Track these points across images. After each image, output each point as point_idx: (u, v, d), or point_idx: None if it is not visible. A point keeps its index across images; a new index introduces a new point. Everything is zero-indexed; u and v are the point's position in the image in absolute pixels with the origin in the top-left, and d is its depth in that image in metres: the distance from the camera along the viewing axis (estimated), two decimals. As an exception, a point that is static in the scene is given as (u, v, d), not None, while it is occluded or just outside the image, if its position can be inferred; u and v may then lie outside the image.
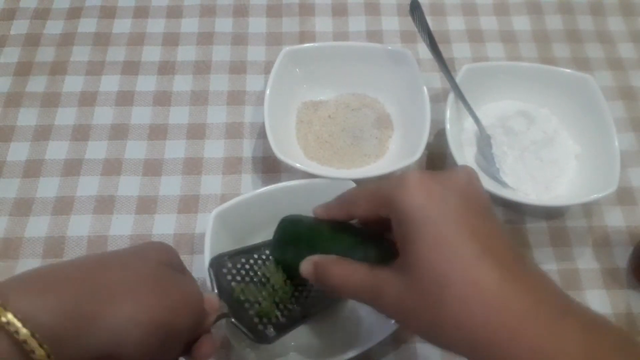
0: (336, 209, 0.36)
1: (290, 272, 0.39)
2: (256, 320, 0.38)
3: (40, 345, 0.24)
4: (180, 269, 0.34)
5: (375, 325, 0.43)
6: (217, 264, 0.39)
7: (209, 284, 0.38)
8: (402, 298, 0.29)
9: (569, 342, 0.25)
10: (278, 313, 0.39)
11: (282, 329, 0.38)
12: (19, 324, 0.24)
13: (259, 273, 0.40)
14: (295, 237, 0.38)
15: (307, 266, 0.35)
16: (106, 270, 0.30)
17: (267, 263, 0.41)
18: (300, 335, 0.44)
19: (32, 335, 0.24)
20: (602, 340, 0.26)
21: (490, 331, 0.26)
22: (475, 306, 0.27)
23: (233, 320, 0.36)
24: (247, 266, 0.40)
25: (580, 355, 0.25)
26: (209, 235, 0.43)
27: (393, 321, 0.41)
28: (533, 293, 0.27)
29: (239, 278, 0.39)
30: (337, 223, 0.36)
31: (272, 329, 0.38)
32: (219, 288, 0.37)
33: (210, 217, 0.44)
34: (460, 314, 0.27)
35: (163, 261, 0.32)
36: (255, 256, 0.41)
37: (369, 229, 0.35)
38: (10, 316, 0.24)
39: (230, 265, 0.39)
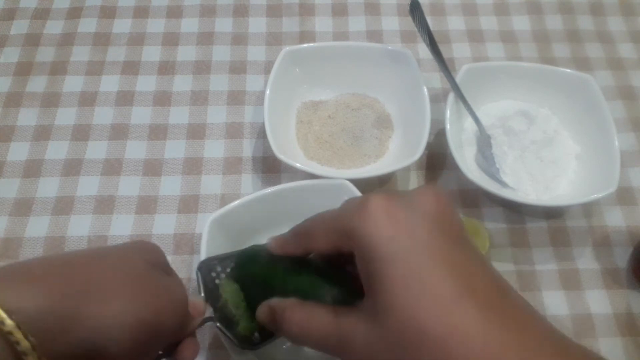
0: (291, 243, 0.32)
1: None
2: (241, 325, 0.37)
3: (26, 337, 0.24)
4: (166, 270, 0.34)
5: None
6: (205, 267, 0.39)
7: (196, 287, 0.38)
8: (372, 348, 0.25)
9: None
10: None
11: (268, 335, 0.38)
12: (4, 315, 0.24)
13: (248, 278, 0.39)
14: (251, 277, 0.36)
15: (263, 311, 0.32)
16: (95, 267, 0.29)
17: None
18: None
19: (18, 326, 0.24)
20: None
21: None
22: (458, 351, 0.23)
23: (218, 324, 0.36)
24: (235, 271, 0.40)
25: None
26: (205, 241, 0.42)
27: None
28: (524, 336, 0.24)
29: (228, 282, 0.39)
30: (296, 258, 0.32)
31: (257, 335, 0.37)
32: (205, 292, 0.37)
33: (205, 224, 0.43)
34: None
35: (150, 261, 0.32)
36: None
37: (331, 264, 0.32)
38: None
39: (219, 269, 0.39)
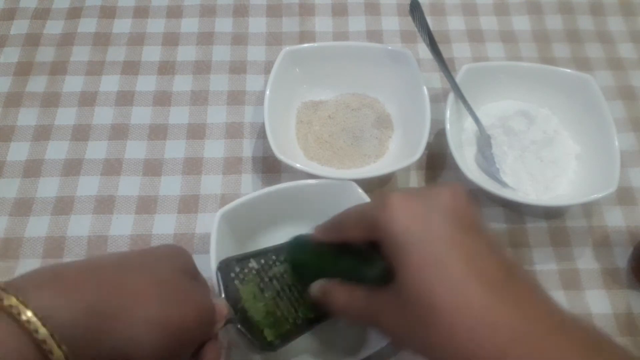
0: (329, 231, 0.36)
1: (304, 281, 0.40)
2: (261, 327, 0.37)
3: (59, 346, 0.24)
4: (193, 275, 0.35)
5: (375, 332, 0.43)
6: (225, 267, 0.38)
7: (216, 288, 0.38)
8: (397, 322, 0.30)
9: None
10: (284, 320, 0.39)
11: (287, 336, 0.38)
12: (38, 323, 0.24)
13: (265, 279, 0.39)
14: (303, 263, 0.39)
15: (317, 289, 0.36)
16: (125, 273, 0.30)
17: (278, 268, 0.41)
18: (306, 341, 0.44)
19: (51, 335, 0.24)
20: (600, 358, 0.26)
21: (478, 351, 0.26)
22: (462, 326, 0.26)
23: (239, 326, 0.36)
24: (254, 271, 0.39)
25: None
26: (215, 237, 0.42)
27: None
28: (524, 310, 0.27)
29: (246, 283, 0.39)
30: (337, 244, 0.36)
31: (277, 337, 0.38)
32: (225, 293, 0.37)
33: (215, 218, 0.43)
34: (449, 336, 0.27)
35: (178, 267, 0.32)
36: (263, 261, 0.40)
37: (367, 248, 0.35)
38: (30, 314, 0.24)
39: (238, 269, 0.39)
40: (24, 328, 0.24)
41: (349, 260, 0.35)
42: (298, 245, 0.40)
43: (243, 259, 0.39)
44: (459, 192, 0.31)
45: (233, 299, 0.37)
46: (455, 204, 0.30)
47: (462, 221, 0.30)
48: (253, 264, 0.40)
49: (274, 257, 0.41)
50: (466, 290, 0.27)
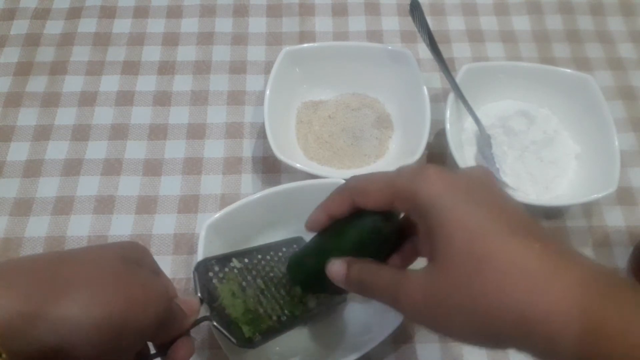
0: (338, 202, 0.34)
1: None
2: (240, 324, 0.37)
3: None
4: (151, 269, 0.33)
5: (373, 328, 0.43)
6: (203, 267, 0.39)
7: (193, 287, 0.38)
8: (429, 288, 0.28)
9: (629, 309, 0.24)
10: (266, 317, 0.39)
11: (269, 333, 0.38)
12: None
13: (249, 277, 0.40)
14: (305, 278, 0.39)
15: (337, 267, 0.33)
16: (64, 264, 0.29)
17: (263, 266, 0.41)
18: (298, 339, 0.44)
19: None
20: None
21: (538, 301, 0.24)
22: (519, 273, 0.25)
23: (215, 323, 0.36)
24: (235, 270, 0.40)
25: None
26: (202, 246, 0.42)
27: (392, 322, 0.41)
28: (583, 264, 0.26)
29: (225, 282, 0.39)
30: (332, 228, 0.35)
31: (256, 334, 0.38)
32: (202, 291, 0.37)
33: (202, 229, 0.43)
34: (501, 288, 0.25)
35: (129, 258, 0.31)
36: (246, 260, 0.41)
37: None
38: None
39: (217, 269, 0.39)
40: None
41: (360, 224, 0.34)
42: (296, 264, 0.39)
43: (223, 259, 0.40)
44: (489, 172, 0.32)
45: (210, 298, 0.37)
46: (486, 179, 0.31)
47: (497, 191, 0.30)
48: (235, 263, 0.40)
49: (259, 256, 0.41)
50: (517, 241, 0.26)
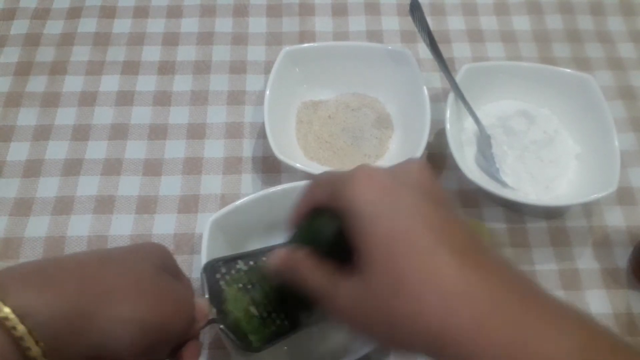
0: (303, 200, 0.34)
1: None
2: (245, 329, 0.37)
3: (37, 343, 0.24)
4: (174, 273, 0.34)
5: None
6: (210, 268, 0.38)
7: (201, 288, 0.38)
8: (355, 299, 0.27)
9: (540, 334, 0.24)
10: (270, 322, 0.38)
11: (273, 338, 0.38)
12: (16, 320, 0.24)
13: (254, 280, 0.39)
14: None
15: (276, 258, 0.33)
16: (105, 269, 0.30)
17: (267, 269, 0.40)
18: (298, 341, 0.44)
19: (29, 332, 0.24)
20: (579, 331, 0.24)
21: (447, 322, 0.24)
22: (431, 296, 0.25)
23: (222, 327, 0.36)
24: (241, 272, 0.39)
25: (560, 347, 0.23)
26: (206, 243, 0.42)
27: None
28: (495, 279, 0.25)
29: (232, 284, 0.39)
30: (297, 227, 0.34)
31: (261, 338, 0.37)
32: (210, 293, 0.37)
33: (206, 225, 0.43)
34: (416, 307, 0.25)
35: (158, 265, 0.32)
36: (252, 262, 0.40)
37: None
38: (8, 311, 0.24)
39: (224, 270, 0.39)
40: (2, 324, 0.24)
41: (310, 223, 0.33)
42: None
43: (230, 260, 0.39)
44: (425, 169, 0.30)
45: (218, 300, 0.37)
46: (422, 179, 0.29)
47: (430, 195, 0.28)
48: (241, 265, 0.40)
49: (264, 259, 0.41)
50: (436, 258, 0.25)
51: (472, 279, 0.25)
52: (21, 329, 0.24)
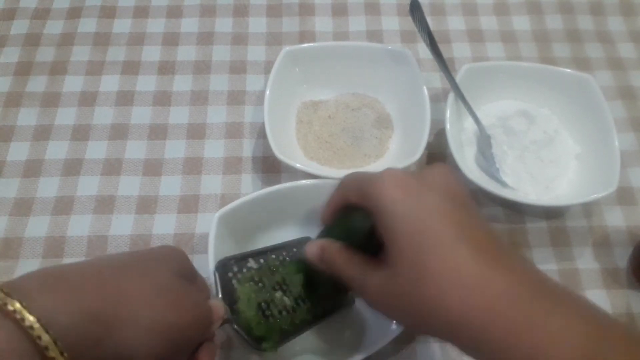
0: (335, 197, 0.37)
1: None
2: (257, 327, 0.37)
3: (61, 353, 0.24)
4: (191, 276, 0.35)
5: (378, 329, 0.43)
6: (222, 267, 0.38)
7: (213, 288, 0.38)
8: (384, 288, 0.31)
9: (548, 318, 0.26)
10: (281, 320, 0.38)
11: (284, 336, 0.38)
12: (42, 330, 0.24)
13: (264, 278, 0.39)
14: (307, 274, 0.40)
15: (313, 248, 0.36)
16: (124, 276, 0.30)
17: (278, 267, 0.40)
18: (306, 340, 0.44)
19: (54, 342, 0.24)
20: (588, 318, 0.27)
21: (465, 311, 0.27)
22: (451, 287, 0.27)
23: (235, 327, 0.36)
24: (252, 271, 0.39)
25: (565, 336, 0.25)
26: (213, 238, 0.42)
27: (394, 326, 0.41)
28: (513, 275, 0.28)
29: (244, 283, 0.38)
30: (330, 223, 0.38)
31: (272, 337, 0.37)
32: (223, 293, 0.37)
33: (213, 219, 0.43)
34: (437, 296, 0.28)
35: (176, 269, 0.33)
36: (262, 260, 0.40)
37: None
38: (33, 320, 0.24)
39: (236, 269, 0.39)
40: (27, 334, 0.24)
41: (344, 219, 0.36)
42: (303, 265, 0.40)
43: (242, 259, 0.39)
44: (449, 173, 0.33)
45: (230, 299, 0.37)
46: (446, 182, 0.32)
47: (453, 197, 0.31)
48: (252, 263, 0.40)
49: (273, 256, 0.41)
50: (456, 253, 0.28)
51: (488, 274, 0.27)
52: (46, 338, 0.24)
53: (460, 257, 0.28)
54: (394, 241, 0.30)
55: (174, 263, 0.33)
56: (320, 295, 0.40)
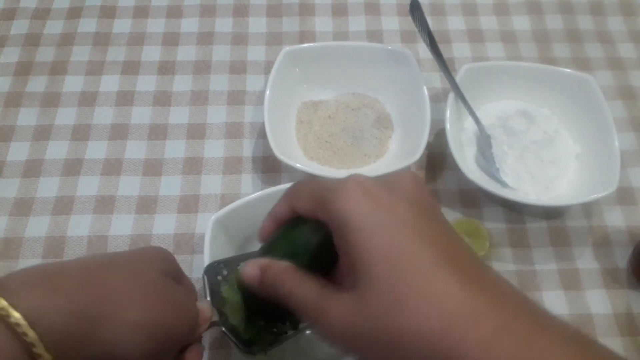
0: (280, 207, 0.32)
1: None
2: (246, 330, 0.37)
3: (47, 350, 0.24)
4: (177, 277, 0.35)
5: None
6: (212, 270, 0.38)
7: (202, 290, 0.38)
8: (349, 317, 0.26)
9: (550, 356, 0.23)
10: (271, 324, 0.38)
11: (273, 340, 0.38)
12: (27, 327, 0.24)
13: None
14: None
15: (250, 269, 0.31)
16: (110, 274, 0.30)
17: None
18: (298, 342, 0.44)
19: (40, 339, 0.24)
20: (589, 355, 0.24)
21: (457, 345, 0.23)
22: (435, 314, 0.23)
23: (223, 329, 0.36)
24: None
25: None
26: (208, 242, 0.42)
27: None
28: (503, 306, 0.24)
29: (232, 287, 0.38)
30: (271, 236, 0.33)
31: (261, 341, 0.37)
32: (212, 296, 0.37)
33: (208, 224, 0.43)
34: (418, 326, 0.24)
35: (162, 269, 0.32)
36: None
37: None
38: (19, 316, 0.24)
39: (225, 272, 0.39)
40: (13, 330, 0.24)
41: (291, 232, 0.32)
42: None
43: (231, 262, 0.39)
44: (418, 181, 0.29)
45: (219, 302, 0.37)
46: (416, 193, 0.28)
47: (424, 208, 0.27)
48: (242, 266, 0.40)
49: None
50: (437, 276, 0.24)
51: (478, 305, 0.24)
52: (32, 334, 0.24)
53: (442, 281, 0.24)
54: (362, 260, 0.25)
55: (161, 263, 0.33)
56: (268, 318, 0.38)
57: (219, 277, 0.38)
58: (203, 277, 0.38)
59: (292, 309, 0.29)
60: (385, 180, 0.28)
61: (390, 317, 0.24)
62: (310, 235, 0.30)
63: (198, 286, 0.45)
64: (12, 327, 0.24)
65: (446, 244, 0.26)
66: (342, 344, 0.27)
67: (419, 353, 0.24)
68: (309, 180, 0.31)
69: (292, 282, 0.29)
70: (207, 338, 0.46)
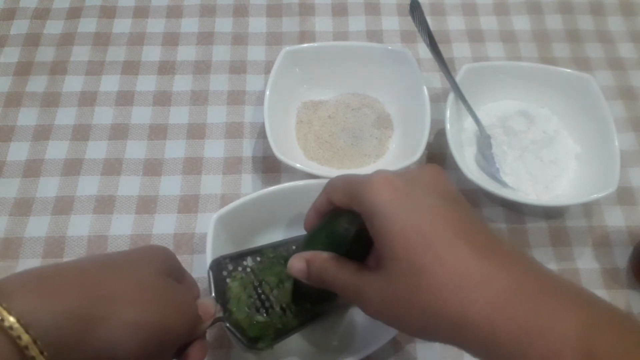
0: (321, 200, 0.35)
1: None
2: (250, 326, 0.37)
3: (41, 353, 0.24)
4: (178, 275, 0.35)
5: (376, 330, 0.43)
6: (217, 266, 0.38)
7: (207, 286, 0.38)
8: (381, 294, 0.29)
9: (557, 318, 0.25)
10: (275, 319, 0.38)
11: (277, 335, 0.38)
12: (21, 330, 0.24)
13: (260, 277, 0.39)
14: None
15: (297, 263, 0.34)
16: (109, 275, 0.30)
17: (274, 266, 0.40)
18: (302, 340, 0.44)
19: (34, 341, 0.24)
20: (597, 316, 0.25)
21: (467, 311, 0.26)
22: (452, 287, 0.26)
23: (227, 325, 0.36)
24: (248, 269, 0.39)
25: (572, 332, 0.24)
26: (210, 240, 0.42)
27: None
28: (513, 270, 0.27)
29: (238, 282, 0.38)
30: (314, 227, 0.36)
31: (265, 336, 0.37)
32: (216, 291, 0.37)
33: (210, 222, 0.43)
34: (438, 297, 0.27)
35: (162, 269, 0.32)
36: (259, 259, 0.40)
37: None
38: (13, 320, 0.24)
39: (230, 267, 0.39)
40: (7, 334, 0.24)
41: (329, 223, 0.35)
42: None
43: (237, 257, 0.39)
44: (440, 172, 0.32)
45: (224, 298, 0.37)
46: (436, 181, 0.31)
47: (445, 195, 0.30)
48: (248, 262, 0.40)
49: (271, 255, 0.41)
50: (455, 252, 0.27)
51: (489, 270, 0.26)
52: (26, 338, 0.24)
53: (459, 256, 0.27)
54: (388, 244, 0.28)
55: (160, 262, 0.33)
56: (313, 301, 0.40)
57: (224, 273, 0.38)
58: (208, 273, 0.38)
59: (337, 292, 0.33)
60: (408, 172, 0.32)
61: (413, 290, 0.27)
62: (347, 227, 0.33)
63: (199, 285, 0.46)
64: (6, 331, 0.24)
65: (463, 223, 0.29)
66: (381, 318, 0.30)
67: (437, 318, 0.27)
68: (343, 175, 0.35)
69: (333, 270, 0.32)
70: (207, 337, 0.46)
